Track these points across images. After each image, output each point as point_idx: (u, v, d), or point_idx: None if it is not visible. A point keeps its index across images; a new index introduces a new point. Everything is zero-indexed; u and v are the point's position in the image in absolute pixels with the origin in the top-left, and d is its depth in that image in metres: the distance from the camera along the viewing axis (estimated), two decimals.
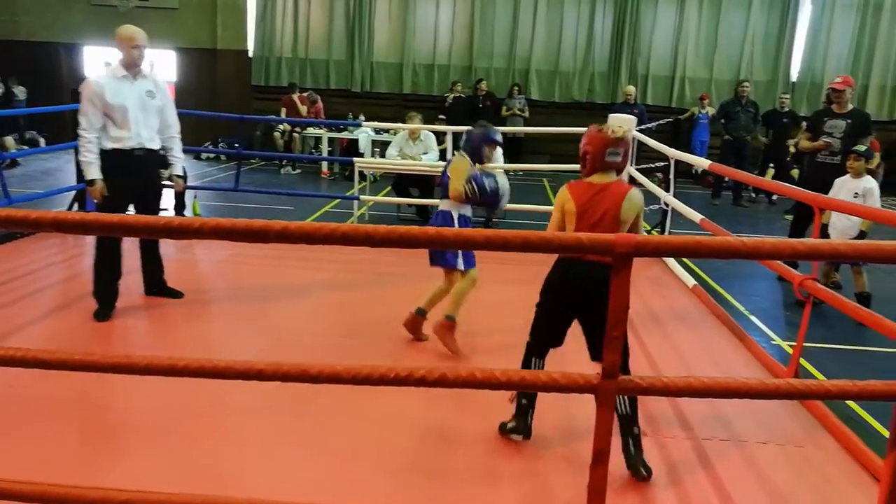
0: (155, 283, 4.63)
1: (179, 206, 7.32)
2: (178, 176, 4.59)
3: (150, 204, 4.35)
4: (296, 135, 11.88)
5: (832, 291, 3.33)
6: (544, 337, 2.89)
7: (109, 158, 4.12)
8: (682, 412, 3.32)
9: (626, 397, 2.69)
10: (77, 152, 4.36)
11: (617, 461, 2.55)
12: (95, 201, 4.17)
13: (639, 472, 2.69)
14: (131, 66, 4.14)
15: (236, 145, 10.17)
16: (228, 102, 12.73)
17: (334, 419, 3.09)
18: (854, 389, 1.67)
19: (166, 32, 13.19)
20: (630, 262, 1.79)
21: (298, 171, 11.66)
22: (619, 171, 2.78)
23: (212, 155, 12.12)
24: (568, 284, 2.74)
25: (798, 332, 3.62)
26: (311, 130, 11.84)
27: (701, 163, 5.55)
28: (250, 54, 13.45)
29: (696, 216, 5.13)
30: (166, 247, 4.79)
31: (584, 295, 2.69)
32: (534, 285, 2.90)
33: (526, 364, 2.92)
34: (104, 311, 4.20)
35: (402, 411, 3.13)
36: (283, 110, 11.92)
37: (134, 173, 4.17)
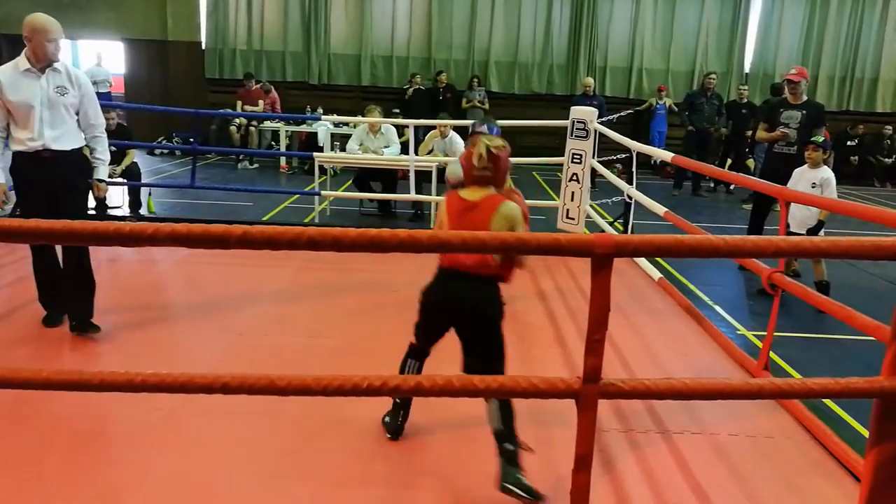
0: (76, 317, 3.89)
1: (135, 204, 7.09)
2: (99, 180, 3.99)
3: (64, 210, 3.59)
4: (252, 128, 11.61)
5: (801, 284, 3.37)
6: (420, 339, 2.84)
7: (15, 161, 3.74)
8: (652, 405, 3.32)
9: (498, 411, 2.54)
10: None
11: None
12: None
13: (512, 492, 2.45)
14: (41, 60, 3.68)
15: (191, 140, 9.87)
16: (182, 96, 12.36)
17: (302, 424, 3.00)
18: (836, 388, 1.65)
19: (113, 23, 12.73)
20: (610, 263, 1.75)
21: (256, 165, 11.40)
22: (497, 185, 2.67)
23: (166, 150, 11.76)
24: (439, 294, 2.67)
25: (765, 324, 3.66)
26: (268, 124, 11.57)
27: (664, 155, 5.57)
28: (203, 46, 13.08)
29: (660, 209, 5.15)
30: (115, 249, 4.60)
31: (453, 307, 2.64)
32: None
33: (401, 368, 2.86)
34: (52, 317, 4.01)
35: (373, 416, 3.05)
36: (239, 103, 11.64)
37: (43, 177, 3.70)
